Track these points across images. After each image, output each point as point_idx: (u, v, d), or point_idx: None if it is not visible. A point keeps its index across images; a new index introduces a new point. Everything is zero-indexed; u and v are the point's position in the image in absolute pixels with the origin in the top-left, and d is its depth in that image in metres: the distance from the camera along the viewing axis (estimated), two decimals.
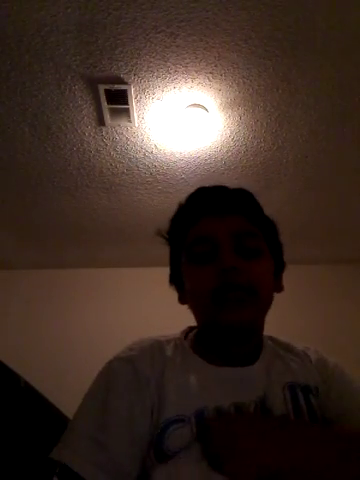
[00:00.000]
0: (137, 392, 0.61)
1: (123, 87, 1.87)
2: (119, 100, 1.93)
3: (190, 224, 0.74)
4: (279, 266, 0.78)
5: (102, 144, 2.22)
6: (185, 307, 0.77)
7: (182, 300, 0.77)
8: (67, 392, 1.60)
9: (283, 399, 0.66)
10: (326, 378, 0.72)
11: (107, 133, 2.15)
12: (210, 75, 1.83)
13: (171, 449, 0.58)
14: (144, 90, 1.90)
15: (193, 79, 1.84)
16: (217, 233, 0.69)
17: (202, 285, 0.67)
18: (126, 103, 1.95)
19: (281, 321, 3.11)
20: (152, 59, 1.75)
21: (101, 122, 2.07)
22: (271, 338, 0.80)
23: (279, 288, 0.77)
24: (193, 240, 0.72)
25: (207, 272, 0.67)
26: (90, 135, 2.16)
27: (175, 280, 0.79)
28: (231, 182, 2.49)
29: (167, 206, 2.69)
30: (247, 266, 0.67)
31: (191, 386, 0.64)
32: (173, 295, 0.80)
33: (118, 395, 0.60)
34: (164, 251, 0.82)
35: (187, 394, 0.63)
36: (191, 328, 0.80)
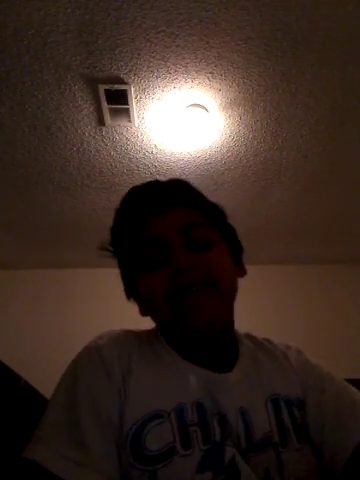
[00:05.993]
0: (103, 379, 0.59)
1: (123, 87, 1.87)
2: (119, 100, 1.93)
3: (132, 229, 0.68)
4: (236, 250, 0.72)
5: (102, 144, 2.22)
6: None
7: (143, 312, 0.71)
8: None
9: (266, 414, 0.62)
10: (308, 387, 0.67)
11: (107, 133, 2.15)
12: (210, 75, 1.83)
13: (150, 448, 0.54)
14: (144, 90, 1.90)
15: (193, 79, 1.84)
16: (163, 232, 0.64)
17: (155, 292, 0.62)
18: (126, 103, 1.95)
19: (281, 320, 3.12)
20: (152, 59, 1.75)
21: (101, 122, 2.07)
22: (248, 336, 0.75)
23: (242, 272, 0.72)
24: (140, 245, 0.66)
25: (160, 276, 0.62)
26: (90, 135, 2.16)
27: (132, 292, 0.72)
28: (231, 182, 2.50)
29: None
30: (202, 259, 0.62)
31: (166, 380, 0.61)
32: None
33: (84, 381, 0.58)
34: None
35: (163, 389, 0.60)
36: None
